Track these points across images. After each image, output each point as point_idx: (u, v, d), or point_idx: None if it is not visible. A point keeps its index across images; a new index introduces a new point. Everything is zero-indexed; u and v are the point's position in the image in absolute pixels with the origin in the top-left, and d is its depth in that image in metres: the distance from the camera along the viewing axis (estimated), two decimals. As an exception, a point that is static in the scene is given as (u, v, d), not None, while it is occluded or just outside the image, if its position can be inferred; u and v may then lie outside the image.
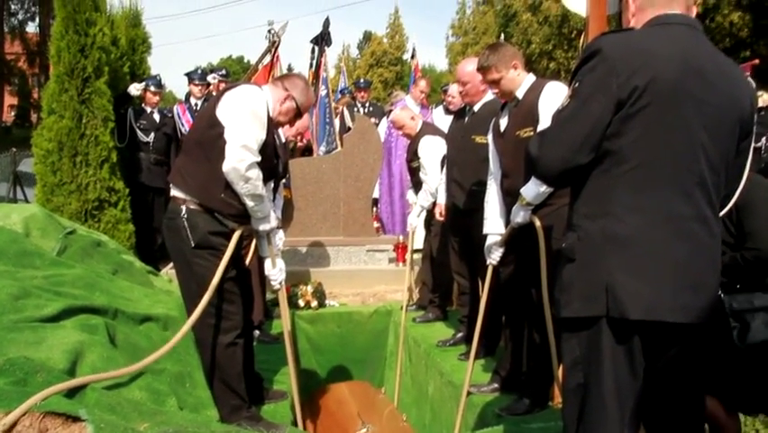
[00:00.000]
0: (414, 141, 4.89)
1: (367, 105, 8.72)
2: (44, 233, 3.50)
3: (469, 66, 3.95)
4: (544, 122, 2.91)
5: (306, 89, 3.14)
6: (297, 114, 3.13)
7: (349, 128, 7.09)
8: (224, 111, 2.84)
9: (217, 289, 2.82)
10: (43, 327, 2.33)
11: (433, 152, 4.59)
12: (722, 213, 1.90)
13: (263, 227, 3.05)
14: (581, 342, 1.76)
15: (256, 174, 2.83)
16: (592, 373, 1.73)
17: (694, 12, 1.86)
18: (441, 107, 6.99)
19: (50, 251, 3.31)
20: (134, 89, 6.30)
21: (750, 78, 6.28)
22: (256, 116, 2.86)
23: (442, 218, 4.57)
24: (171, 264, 3.53)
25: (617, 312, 1.67)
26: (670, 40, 1.73)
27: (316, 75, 6.35)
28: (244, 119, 2.82)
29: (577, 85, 1.77)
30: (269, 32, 6.16)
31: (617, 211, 1.71)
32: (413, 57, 9.68)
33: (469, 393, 3.57)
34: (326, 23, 6.48)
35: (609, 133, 1.70)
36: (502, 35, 14.15)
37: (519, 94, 3.18)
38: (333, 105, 7.24)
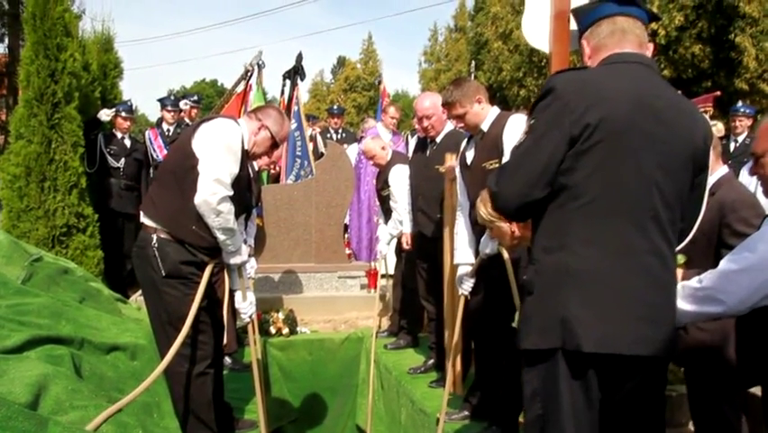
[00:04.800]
0: (384, 170, 4.94)
1: (340, 131, 8.79)
2: (9, 260, 3.43)
3: (426, 101, 4.04)
4: (509, 154, 2.98)
5: (278, 118, 3.16)
6: (274, 145, 3.16)
7: (321, 154, 7.13)
8: (199, 143, 2.86)
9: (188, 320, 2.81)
10: (5, 359, 2.28)
11: (403, 180, 4.65)
12: (680, 246, 1.96)
13: (234, 261, 3.06)
14: (540, 374, 1.78)
15: (228, 208, 2.84)
16: (550, 405, 1.76)
17: (650, 49, 1.91)
18: (417, 136, 7.08)
19: (14, 279, 3.25)
20: (104, 115, 6.27)
21: (711, 109, 6.54)
22: (231, 151, 2.88)
23: (408, 246, 4.62)
24: (140, 291, 3.49)
25: (572, 345, 1.69)
26: (622, 78, 1.78)
27: (288, 108, 6.38)
28: (219, 153, 2.83)
29: (533, 122, 1.82)
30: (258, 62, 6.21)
31: (573, 245, 1.74)
32: (379, 82, 9.80)
33: (438, 420, 3.58)
34: (299, 58, 6.53)
35: (564, 169, 1.74)
36: (473, 62, 14.43)
37: (484, 127, 3.26)
38: (307, 125, 7.27)
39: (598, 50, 1.89)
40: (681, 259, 2.38)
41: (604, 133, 1.70)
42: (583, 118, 1.70)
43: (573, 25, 2.56)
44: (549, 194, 1.77)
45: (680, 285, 1.90)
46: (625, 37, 1.85)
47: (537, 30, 2.84)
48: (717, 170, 2.95)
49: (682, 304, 1.87)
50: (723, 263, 1.84)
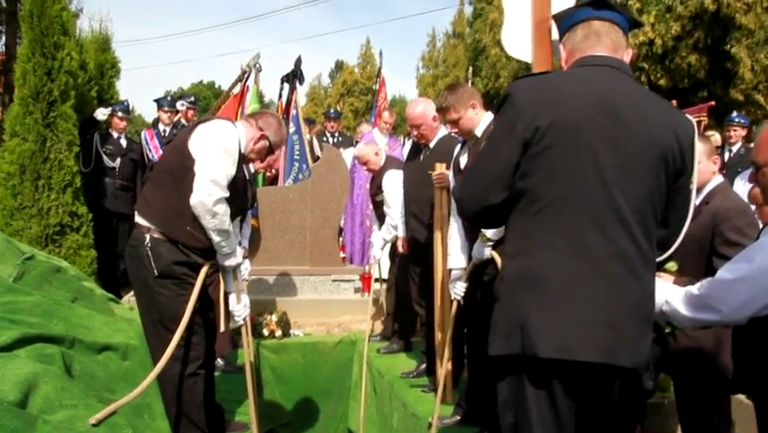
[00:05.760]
0: (378, 175, 4.95)
1: (336, 135, 8.79)
2: (1, 258, 3.41)
3: (417, 108, 4.04)
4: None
5: (279, 128, 3.17)
6: (269, 150, 3.16)
7: (318, 157, 7.14)
8: (196, 144, 2.86)
9: (181, 320, 2.80)
10: (-5, 357, 2.28)
11: (396, 185, 4.65)
12: (669, 252, 1.93)
13: (229, 263, 3.05)
14: (508, 383, 1.76)
15: (223, 209, 2.84)
16: (520, 414, 1.73)
17: (628, 54, 1.87)
18: (411, 141, 7.09)
19: (6, 277, 3.23)
20: (100, 114, 6.27)
21: (706, 119, 6.57)
22: (227, 153, 2.88)
23: (403, 251, 4.62)
24: (133, 292, 3.48)
25: (530, 350, 1.65)
26: (583, 80, 1.77)
27: (286, 111, 6.38)
28: (215, 154, 2.83)
29: (491, 129, 1.86)
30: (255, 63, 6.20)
31: (532, 249, 1.71)
32: (378, 75, 9.73)
33: (429, 425, 3.57)
34: (298, 62, 6.54)
35: (521, 173, 1.73)
36: (471, 68, 14.45)
37: (478, 132, 3.26)
38: (306, 129, 7.28)
39: (573, 54, 1.87)
40: (673, 266, 2.38)
41: (555, 135, 1.68)
42: (534, 122, 1.69)
43: (555, 35, 2.55)
44: (511, 199, 1.76)
45: (682, 290, 1.89)
46: (599, 41, 1.82)
47: (517, 40, 2.83)
48: (713, 180, 2.93)
49: (681, 309, 1.86)
50: (720, 272, 1.82)
